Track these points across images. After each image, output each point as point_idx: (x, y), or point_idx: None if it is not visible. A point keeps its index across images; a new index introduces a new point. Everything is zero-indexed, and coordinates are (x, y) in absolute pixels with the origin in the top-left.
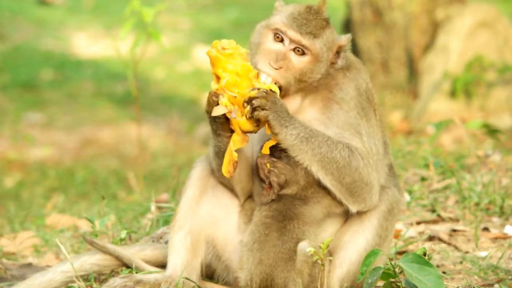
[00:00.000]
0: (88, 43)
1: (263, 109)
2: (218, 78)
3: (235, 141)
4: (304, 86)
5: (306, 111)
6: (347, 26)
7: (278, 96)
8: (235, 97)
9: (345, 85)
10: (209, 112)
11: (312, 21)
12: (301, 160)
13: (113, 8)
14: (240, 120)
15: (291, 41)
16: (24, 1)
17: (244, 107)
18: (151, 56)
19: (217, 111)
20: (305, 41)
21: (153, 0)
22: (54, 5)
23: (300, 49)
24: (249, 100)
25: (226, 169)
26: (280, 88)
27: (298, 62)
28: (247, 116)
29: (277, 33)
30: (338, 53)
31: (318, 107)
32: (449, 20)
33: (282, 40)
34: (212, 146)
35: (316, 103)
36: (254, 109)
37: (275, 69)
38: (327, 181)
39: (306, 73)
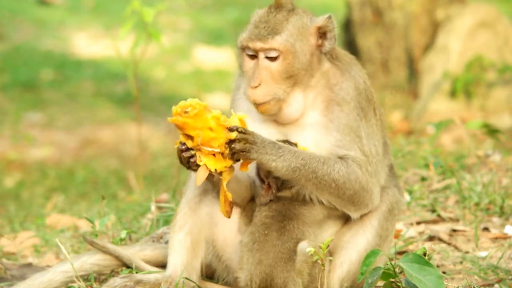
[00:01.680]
0: (88, 43)
1: (243, 152)
2: (189, 137)
3: (225, 177)
4: (295, 81)
5: (308, 113)
6: (347, 26)
7: (257, 136)
8: (218, 152)
9: (344, 84)
10: (183, 165)
11: (272, 19)
12: (294, 184)
13: (113, 8)
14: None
15: (257, 50)
16: (24, 1)
17: (226, 148)
18: (151, 56)
19: (200, 177)
20: (267, 44)
21: (153, 0)
22: (54, 5)
23: (270, 54)
24: (229, 143)
25: (224, 210)
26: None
27: (275, 66)
28: (228, 158)
29: (246, 49)
30: (323, 35)
31: (320, 109)
32: (449, 20)
33: (255, 55)
34: None
35: (317, 104)
36: (234, 153)
37: (255, 87)
38: (323, 198)
39: (287, 70)
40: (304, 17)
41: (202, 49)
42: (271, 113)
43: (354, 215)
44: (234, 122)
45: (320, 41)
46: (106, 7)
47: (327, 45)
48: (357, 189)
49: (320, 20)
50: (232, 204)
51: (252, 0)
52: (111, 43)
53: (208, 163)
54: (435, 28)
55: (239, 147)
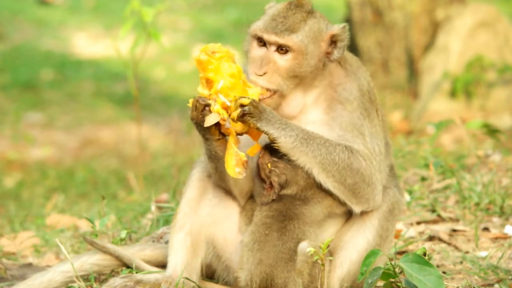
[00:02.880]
0: (88, 43)
1: (252, 117)
2: (208, 82)
3: (232, 140)
4: (299, 81)
5: (310, 111)
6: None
7: (266, 106)
8: (231, 100)
9: (347, 84)
10: (195, 118)
11: (290, 17)
12: (302, 163)
13: (113, 8)
14: (235, 124)
15: (270, 43)
16: (24, 1)
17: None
18: (151, 56)
19: (210, 120)
20: (282, 39)
21: (153, 0)
22: (54, 5)
23: (281, 49)
24: (241, 106)
25: (233, 171)
26: (272, 92)
27: (283, 61)
28: (235, 119)
29: (259, 39)
30: (334, 43)
31: (322, 108)
32: (449, 20)
33: (265, 44)
34: (204, 150)
35: (320, 103)
36: (243, 115)
37: (260, 75)
38: (328, 183)
39: (294, 69)
40: (321, 22)
41: None
42: (271, 106)
43: (355, 208)
44: (251, 86)
45: (330, 49)
46: (106, 7)
47: (336, 53)
48: (358, 179)
49: (336, 29)
50: (245, 163)
51: (252, 0)
52: (111, 43)
53: (221, 111)
54: (435, 28)
55: (248, 110)
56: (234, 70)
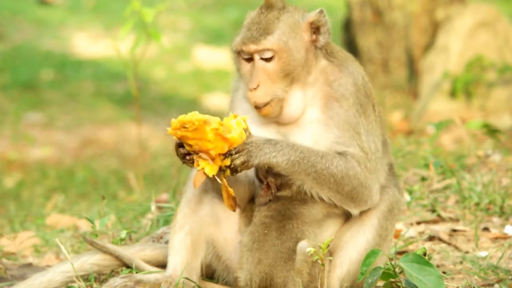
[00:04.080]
0: (88, 43)
1: (247, 162)
2: (187, 143)
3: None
4: (293, 78)
5: (308, 110)
6: (347, 26)
7: (249, 138)
8: (213, 159)
9: (343, 80)
10: (181, 161)
11: (263, 20)
12: (294, 180)
13: (113, 8)
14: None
15: (251, 53)
16: (24, 1)
17: (222, 160)
18: (151, 56)
19: (197, 181)
20: (260, 45)
21: (153, 0)
22: (54, 5)
23: (264, 55)
24: (229, 166)
25: (228, 204)
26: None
27: (270, 66)
28: (237, 172)
29: (241, 53)
30: (316, 29)
31: (319, 106)
32: (449, 20)
33: (250, 57)
34: None
35: (317, 101)
36: (236, 170)
37: (254, 89)
38: (323, 194)
39: (284, 69)
40: (295, 14)
41: (202, 49)
42: (273, 115)
43: (354, 211)
44: (232, 126)
45: (314, 36)
46: (106, 7)
47: (322, 39)
48: (355, 185)
49: (312, 16)
50: (235, 199)
51: (252, 0)
52: (111, 43)
53: (206, 168)
54: (435, 28)
55: (238, 163)
56: (209, 136)
